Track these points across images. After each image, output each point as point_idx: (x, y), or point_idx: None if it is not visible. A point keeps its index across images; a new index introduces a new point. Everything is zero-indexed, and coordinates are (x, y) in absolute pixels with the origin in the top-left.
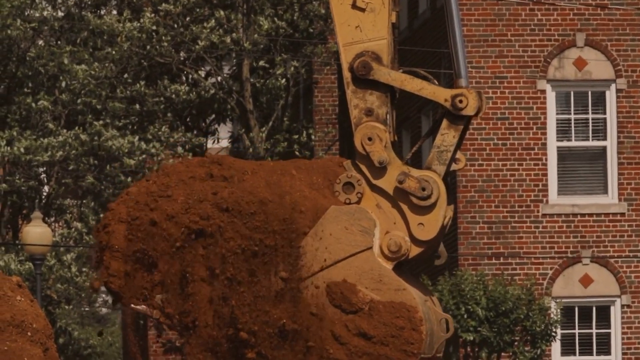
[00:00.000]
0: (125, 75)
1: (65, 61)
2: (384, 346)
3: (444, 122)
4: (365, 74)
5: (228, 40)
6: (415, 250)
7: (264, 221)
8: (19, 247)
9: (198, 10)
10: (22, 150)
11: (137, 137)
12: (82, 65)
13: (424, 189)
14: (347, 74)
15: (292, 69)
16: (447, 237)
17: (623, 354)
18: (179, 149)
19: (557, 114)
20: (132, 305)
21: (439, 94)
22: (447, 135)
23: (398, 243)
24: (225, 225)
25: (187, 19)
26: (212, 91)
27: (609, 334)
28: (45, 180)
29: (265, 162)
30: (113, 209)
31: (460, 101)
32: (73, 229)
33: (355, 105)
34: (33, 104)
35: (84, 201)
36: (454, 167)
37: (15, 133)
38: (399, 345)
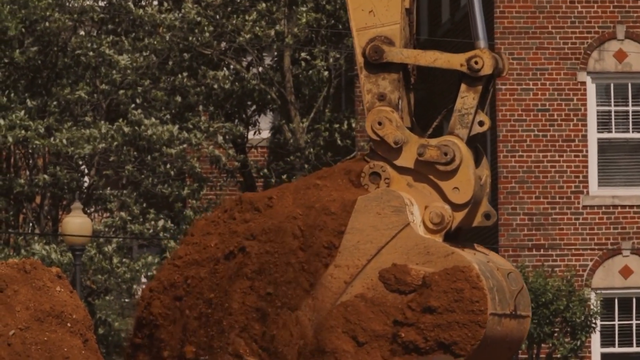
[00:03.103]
0: (171, 63)
1: (107, 51)
2: (451, 313)
3: (463, 86)
4: (377, 58)
5: (272, 32)
6: (459, 216)
7: (298, 236)
8: (60, 238)
9: (239, 1)
10: (64, 142)
11: (176, 127)
12: (124, 55)
13: (446, 154)
14: (360, 59)
15: (331, 60)
16: (488, 229)
17: None
18: (220, 138)
19: (597, 105)
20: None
21: (454, 60)
22: (466, 98)
23: (439, 213)
24: (262, 251)
25: (229, 9)
26: (255, 82)
27: None
28: (86, 171)
29: (289, 183)
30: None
31: (476, 62)
32: (117, 218)
33: (368, 90)
34: (69, 96)
35: (124, 191)
36: (479, 129)
37: (52, 120)
38: (465, 307)
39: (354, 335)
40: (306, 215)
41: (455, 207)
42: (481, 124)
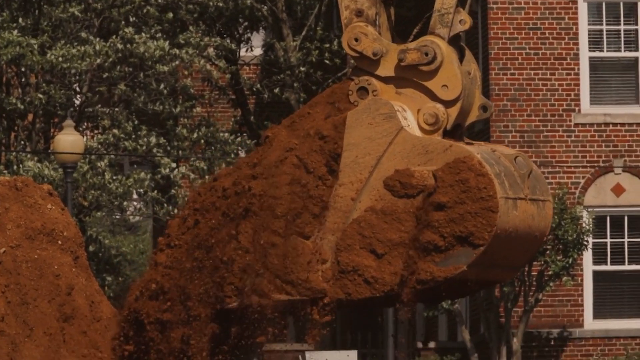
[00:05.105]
0: None
1: None
2: (461, 205)
3: None
4: None
5: None
6: (453, 112)
7: (298, 165)
8: (52, 155)
9: None
10: (59, 59)
11: (167, 42)
12: None
13: (426, 54)
14: None
15: None
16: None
17: None
18: (211, 51)
19: (589, 24)
20: (226, 307)
21: None
22: None
23: (433, 113)
24: (266, 187)
25: None
26: (249, 1)
27: None
28: (78, 89)
29: (281, 122)
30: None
31: None
32: (110, 135)
33: (346, 6)
34: (62, 14)
35: (116, 109)
36: (460, 27)
37: (46, 37)
38: (474, 196)
39: (372, 249)
40: (302, 144)
41: (448, 104)
42: (462, 22)
